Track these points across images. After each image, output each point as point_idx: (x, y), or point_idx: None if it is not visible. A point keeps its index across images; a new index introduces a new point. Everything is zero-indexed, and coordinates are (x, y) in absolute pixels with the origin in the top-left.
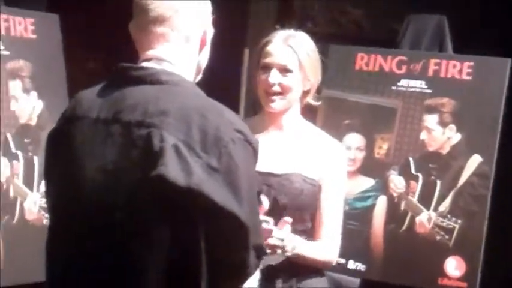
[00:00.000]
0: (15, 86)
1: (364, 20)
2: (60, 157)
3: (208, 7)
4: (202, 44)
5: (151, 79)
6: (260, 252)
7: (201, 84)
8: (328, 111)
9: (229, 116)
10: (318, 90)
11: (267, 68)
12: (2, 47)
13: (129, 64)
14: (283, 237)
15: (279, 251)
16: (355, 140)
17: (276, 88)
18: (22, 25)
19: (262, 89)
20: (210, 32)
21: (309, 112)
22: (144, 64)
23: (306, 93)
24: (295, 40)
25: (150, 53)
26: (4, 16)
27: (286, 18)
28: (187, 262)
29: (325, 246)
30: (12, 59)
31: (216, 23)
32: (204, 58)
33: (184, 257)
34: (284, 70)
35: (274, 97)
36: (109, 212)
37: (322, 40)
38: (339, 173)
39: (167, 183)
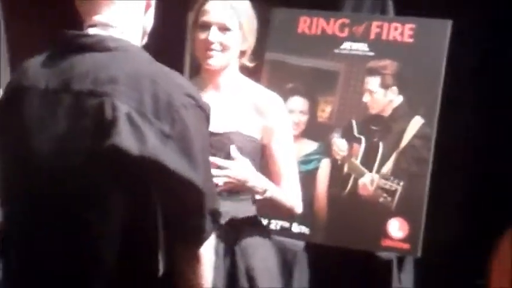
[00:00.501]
0: None
1: None
2: (7, 129)
3: None
4: (147, 7)
5: (99, 46)
6: (215, 216)
7: (145, 48)
8: (271, 75)
9: (180, 81)
10: (254, 52)
11: (206, 26)
12: None
13: (75, 31)
14: (246, 176)
15: (256, 195)
16: (298, 103)
17: (216, 46)
18: None
19: (201, 47)
20: None
21: (250, 75)
22: (90, 30)
23: (243, 53)
24: None
25: (96, 18)
26: None
27: None
28: (143, 229)
29: (289, 192)
30: None
31: None
32: (149, 21)
33: (140, 224)
34: (224, 28)
35: (213, 52)
36: (62, 182)
37: (266, 3)
38: (283, 121)
39: (121, 152)
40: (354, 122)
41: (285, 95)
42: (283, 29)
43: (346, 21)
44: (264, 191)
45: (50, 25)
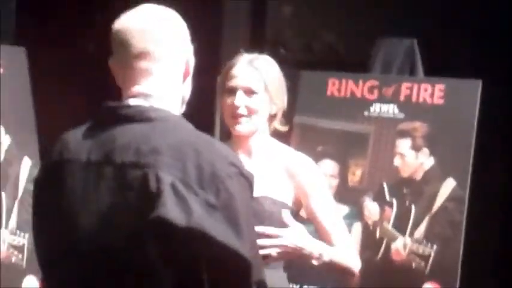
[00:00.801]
0: None
1: (337, 44)
2: (50, 204)
3: (188, 37)
4: (186, 75)
5: (140, 117)
6: (262, 287)
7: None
8: (301, 138)
9: (222, 149)
10: (285, 115)
11: (232, 90)
12: None
13: (116, 102)
14: (303, 243)
15: (314, 261)
16: (328, 167)
17: (242, 110)
18: None
19: (228, 112)
20: (192, 61)
21: (279, 139)
22: (131, 101)
23: (272, 117)
24: (259, 62)
25: (135, 89)
26: None
27: (258, 45)
28: None
29: (345, 250)
30: None
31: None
32: (187, 89)
33: None
34: (249, 92)
35: (240, 119)
36: (108, 257)
37: (295, 66)
38: (317, 181)
39: (167, 223)
40: (385, 186)
41: (315, 158)
42: (312, 92)
43: (375, 83)
44: (321, 256)
45: (88, 94)
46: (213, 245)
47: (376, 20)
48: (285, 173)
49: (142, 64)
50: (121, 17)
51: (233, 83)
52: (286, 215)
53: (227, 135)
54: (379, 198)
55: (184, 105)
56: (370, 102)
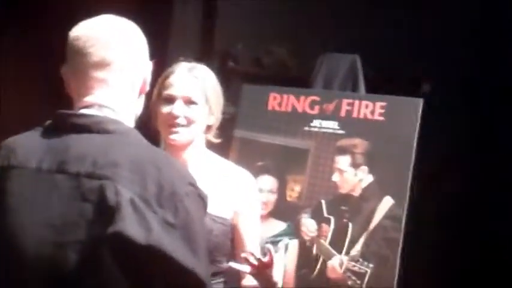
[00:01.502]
0: None
1: (288, 60)
2: None
3: (147, 52)
4: (142, 90)
5: (97, 128)
6: None
7: None
8: (241, 152)
9: (180, 168)
10: (220, 127)
11: (171, 99)
12: None
13: (70, 111)
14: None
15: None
16: (267, 182)
17: (181, 120)
18: None
19: (165, 121)
20: (149, 79)
21: (216, 151)
22: (85, 111)
23: (209, 127)
24: (199, 72)
25: (89, 98)
26: None
27: (207, 56)
28: None
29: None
30: None
31: None
32: (140, 105)
33: None
34: (189, 101)
35: (177, 128)
36: (58, 269)
37: (245, 80)
38: (252, 205)
39: (125, 239)
40: (323, 202)
41: (254, 173)
42: (253, 106)
43: (317, 98)
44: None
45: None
46: (171, 263)
47: (324, 34)
48: (223, 188)
49: (100, 74)
50: (80, 24)
51: (172, 91)
52: (270, 248)
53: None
54: (317, 214)
55: (135, 122)
56: (311, 118)
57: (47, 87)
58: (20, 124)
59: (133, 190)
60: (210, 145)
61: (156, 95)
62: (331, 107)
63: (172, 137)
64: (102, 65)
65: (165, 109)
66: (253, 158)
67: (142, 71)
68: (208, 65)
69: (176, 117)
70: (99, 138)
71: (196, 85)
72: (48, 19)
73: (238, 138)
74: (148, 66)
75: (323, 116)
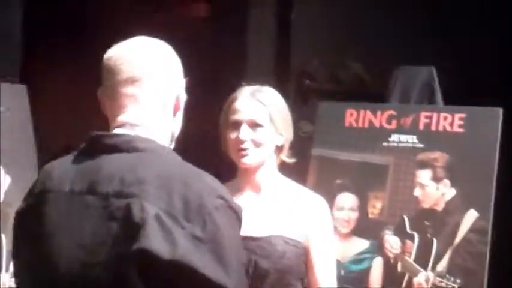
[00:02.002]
0: None
1: (364, 74)
2: (31, 235)
3: (180, 71)
4: (176, 109)
5: (127, 147)
6: None
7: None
8: (319, 171)
9: (210, 182)
10: (291, 146)
11: (237, 124)
12: None
13: (102, 132)
14: None
15: None
16: (348, 200)
17: (248, 144)
18: None
19: (234, 146)
20: (183, 97)
21: (292, 171)
22: (117, 131)
23: (279, 149)
24: (262, 94)
25: (121, 118)
26: None
27: (283, 76)
28: None
29: None
30: None
31: (212, 81)
32: (177, 124)
33: None
34: (254, 125)
35: (246, 151)
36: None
37: (322, 97)
38: (325, 229)
39: (151, 256)
40: (406, 218)
41: (334, 191)
42: (330, 123)
43: (394, 112)
44: None
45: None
46: (199, 278)
47: (396, 48)
48: (296, 211)
49: (129, 90)
50: (114, 46)
51: (237, 116)
52: None
53: (233, 172)
54: (400, 231)
55: (174, 141)
56: (389, 133)
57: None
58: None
59: (159, 206)
60: (287, 166)
61: (223, 121)
62: (408, 120)
63: (243, 160)
64: (131, 81)
65: (232, 135)
66: (332, 176)
67: (174, 89)
68: (284, 84)
69: (243, 142)
70: (129, 157)
71: (259, 108)
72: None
73: (316, 156)
74: (181, 85)
75: (401, 130)
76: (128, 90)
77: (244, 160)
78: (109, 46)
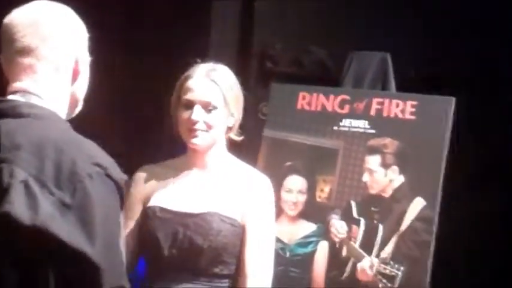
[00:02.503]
0: None
1: (327, 60)
2: None
3: (81, 34)
4: (75, 74)
5: (12, 112)
6: None
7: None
8: (269, 152)
9: (89, 149)
10: (241, 126)
11: (189, 104)
12: None
13: None
14: None
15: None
16: (296, 182)
17: (200, 125)
18: None
19: (185, 126)
20: (85, 60)
21: (240, 150)
22: (9, 97)
23: (229, 128)
24: (217, 74)
25: (16, 85)
26: None
27: (246, 58)
28: None
29: None
30: None
31: (175, 56)
32: (79, 88)
33: None
34: (208, 106)
35: (197, 132)
36: None
37: (283, 81)
38: (264, 209)
39: (12, 221)
40: (353, 203)
41: (283, 173)
42: (282, 105)
43: (347, 97)
44: None
45: None
46: (59, 245)
47: (359, 34)
48: (237, 190)
49: (25, 60)
50: (12, 12)
51: (190, 96)
52: None
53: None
54: (347, 215)
55: (80, 104)
56: (341, 117)
57: None
58: None
59: (29, 171)
60: (242, 147)
61: (174, 99)
62: (361, 106)
63: (193, 141)
64: (27, 51)
65: (185, 114)
66: (283, 158)
67: (71, 53)
68: (246, 65)
69: (195, 123)
70: (14, 122)
71: (214, 89)
72: None
73: (268, 137)
74: (80, 47)
75: (353, 115)
76: (23, 59)
77: (195, 141)
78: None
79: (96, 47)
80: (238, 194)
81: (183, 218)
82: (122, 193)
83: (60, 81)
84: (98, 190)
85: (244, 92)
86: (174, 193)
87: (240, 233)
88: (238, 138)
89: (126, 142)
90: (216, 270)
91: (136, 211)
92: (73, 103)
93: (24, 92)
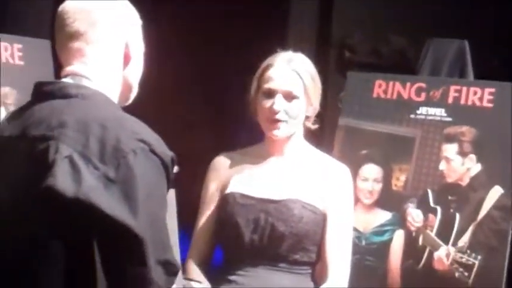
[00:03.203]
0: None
1: (406, 49)
2: None
3: (131, 19)
4: (126, 58)
5: (60, 93)
6: (169, 268)
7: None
8: (345, 141)
9: (133, 126)
10: (319, 114)
11: (271, 93)
12: None
13: (43, 80)
14: None
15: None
16: (372, 171)
17: (282, 115)
18: (8, 51)
19: (265, 115)
20: (136, 44)
21: (316, 139)
22: (61, 80)
23: (308, 118)
24: (298, 63)
25: (67, 69)
26: None
27: (325, 47)
28: (84, 275)
29: (335, 281)
30: None
31: (254, 47)
32: (132, 72)
33: (81, 271)
34: (290, 96)
35: (278, 124)
36: (10, 229)
37: (362, 70)
38: (345, 198)
39: (55, 194)
40: (429, 191)
41: (359, 162)
42: (358, 93)
43: (423, 85)
44: None
45: None
46: (103, 217)
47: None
48: (318, 178)
49: (75, 44)
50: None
51: (271, 85)
52: None
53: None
54: (423, 204)
55: (134, 90)
56: (417, 105)
57: None
58: None
59: (74, 148)
60: (314, 133)
61: (254, 87)
62: (437, 93)
63: (274, 133)
64: (76, 35)
65: (265, 103)
66: (358, 146)
67: (122, 39)
68: (325, 55)
69: (277, 112)
70: (61, 102)
71: (296, 79)
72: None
73: (343, 126)
74: (131, 32)
75: (429, 103)
76: (73, 44)
77: (276, 132)
78: None
79: (179, 39)
80: (318, 181)
81: (264, 204)
82: (168, 169)
83: (110, 65)
84: (142, 165)
85: (322, 82)
86: (253, 179)
87: (320, 220)
88: (314, 127)
89: (212, 133)
90: (296, 256)
91: (215, 198)
92: (126, 88)
93: (74, 74)
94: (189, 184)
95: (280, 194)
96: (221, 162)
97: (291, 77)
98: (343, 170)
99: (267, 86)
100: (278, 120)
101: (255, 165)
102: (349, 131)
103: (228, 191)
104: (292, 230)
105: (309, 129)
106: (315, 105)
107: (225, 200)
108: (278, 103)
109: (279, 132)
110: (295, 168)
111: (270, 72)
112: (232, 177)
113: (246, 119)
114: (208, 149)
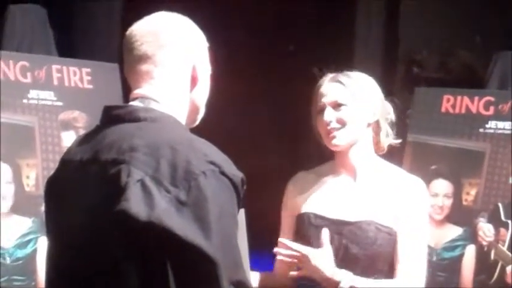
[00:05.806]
0: (68, 137)
1: (474, 64)
2: (52, 204)
3: (198, 41)
4: (194, 80)
5: (129, 117)
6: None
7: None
8: (414, 157)
9: (203, 148)
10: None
11: (322, 109)
12: (55, 98)
13: (113, 104)
14: (323, 267)
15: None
16: (442, 186)
17: (333, 124)
18: (77, 75)
19: (323, 131)
20: (203, 67)
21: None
22: (130, 103)
23: (375, 129)
24: (343, 76)
25: (136, 92)
26: (57, 67)
27: (392, 64)
28: None
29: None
30: (66, 110)
31: (321, 63)
32: (199, 95)
33: None
34: (336, 105)
35: (334, 133)
36: (78, 255)
37: (432, 86)
38: (420, 214)
39: (129, 218)
40: (500, 206)
41: (429, 177)
42: (426, 109)
43: (491, 99)
44: (338, 283)
45: None
46: (176, 241)
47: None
48: (392, 196)
49: (143, 67)
50: (133, 24)
51: (321, 101)
52: (325, 234)
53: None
54: (494, 218)
55: (201, 111)
56: (486, 119)
57: None
58: None
59: (145, 171)
60: (390, 149)
61: (313, 110)
62: (506, 107)
63: (332, 142)
64: (144, 58)
65: (320, 119)
66: (427, 162)
67: (189, 62)
68: (392, 72)
69: (328, 123)
70: (130, 126)
71: (339, 88)
72: None
73: (412, 141)
74: (198, 55)
75: (498, 116)
76: (141, 66)
77: (334, 142)
78: None
79: (246, 54)
80: (392, 199)
81: (338, 225)
82: (238, 190)
83: (178, 87)
84: (213, 187)
85: (391, 98)
86: (326, 200)
87: (396, 241)
88: (396, 142)
89: (279, 153)
90: (371, 278)
91: (290, 220)
92: (193, 110)
93: (142, 97)
94: (257, 204)
95: (354, 215)
96: (298, 181)
97: (335, 87)
98: (418, 183)
99: (319, 104)
100: (332, 130)
101: (326, 184)
102: (418, 147)
103: (302, 210)
104: (366, 252)
105: (390, 145)
106: (377, 112)
107: (300, 220)
108: (327, 114)
109: (336, 140)
110: (368, 185)
111: (319, 91)
112: (307, 197)
113: (313, 138)
114: (275, 169)
